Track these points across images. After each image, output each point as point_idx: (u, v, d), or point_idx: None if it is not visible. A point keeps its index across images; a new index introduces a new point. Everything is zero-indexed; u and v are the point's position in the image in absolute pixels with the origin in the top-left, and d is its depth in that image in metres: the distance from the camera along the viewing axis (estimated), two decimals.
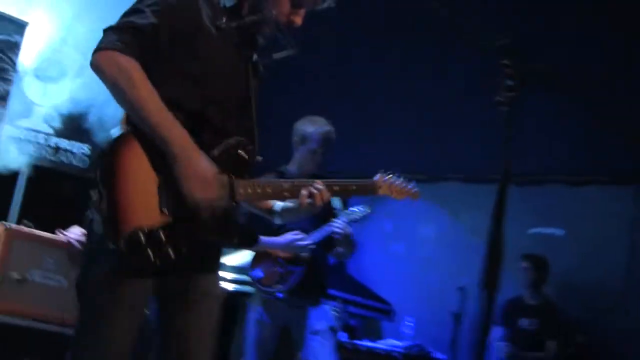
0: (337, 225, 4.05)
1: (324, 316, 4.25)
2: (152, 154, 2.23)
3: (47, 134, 5.35)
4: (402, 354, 5.87)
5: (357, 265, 7.18)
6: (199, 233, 2.28)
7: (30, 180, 5.14)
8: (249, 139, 2.47)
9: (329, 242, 4.16)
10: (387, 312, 6.57)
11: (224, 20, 2.45)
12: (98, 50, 2.25)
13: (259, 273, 4.30)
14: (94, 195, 2.17)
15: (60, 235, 4.35)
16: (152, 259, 2.17)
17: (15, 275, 4.18)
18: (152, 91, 2.24)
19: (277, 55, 2.62)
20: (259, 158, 2.50)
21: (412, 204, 3.07)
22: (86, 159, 5.40)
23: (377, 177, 2.87)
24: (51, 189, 5.39)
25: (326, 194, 2.56)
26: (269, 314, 4.23)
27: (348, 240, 4.14)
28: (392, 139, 6.69)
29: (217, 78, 2.42)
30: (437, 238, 7.23)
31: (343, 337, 5.77)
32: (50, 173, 5.31)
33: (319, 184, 2.56)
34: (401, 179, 2.96)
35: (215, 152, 2.35)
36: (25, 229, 4.36)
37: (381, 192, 2.85)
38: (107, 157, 2.19)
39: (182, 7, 2.37)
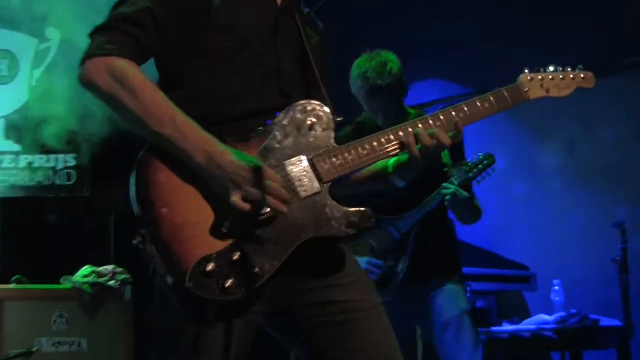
0: (447, 191, 3.78)
1: (451, 299, 3.94)
2: (183, 169, 2.24)
3: (13, 153, 5.05)
4: (557, 331, 5.20)
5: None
6: (290, 235, 2.25)
7: (4, 219, 4.98)
8: (317, 98, 2.45)
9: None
10: (524, 278, 5.88)
11: None
12: (85, 59, 2.28)
13: None
14: (142, 234, 2.16)
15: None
16: (234, 287, 2.14)
17: (14, 352, 3.98)
18: (157, 96, 2.24)
19: None
20: (339, 118, 2.48)
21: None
22: (73, 172, 5.03)
23: (520, 77, 2.63)
24: (37, 224, 5.08)
25: (439, 134, 2.42)
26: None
27: (466, 206, 3.85)
28: None
29: (253, 45, 2.41)
30: (569, 164, 6.53)
31: None
32: (29, 203, 5.05)
33: (425, 123, 2.47)
34: (556, 69, 2.68)
35: (277, 133, 2.35)
36: (17, 288, 4.20)
37: (532, 95, 2.62)
38: (135, 190, 2.20)
39: None
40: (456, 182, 3.74)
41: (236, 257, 2.19)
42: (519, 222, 6.56)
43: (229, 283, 2.15)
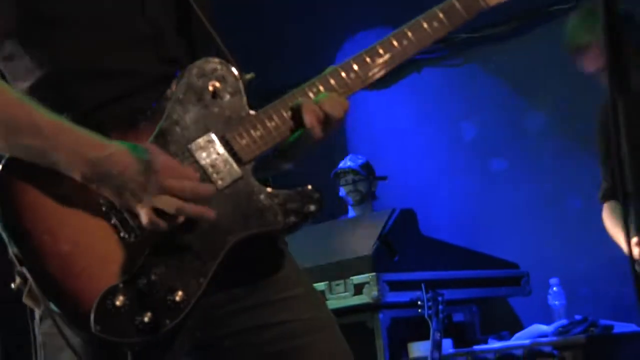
0: None
1: None
2: (59, 181, 2.04)
3: None
4: (558, 344, 4.60)
5: (431, 211, 6.23)
6: (214, 241, 2.09)
7: None
8: (214, 55, 2.22)
9: None
10: (513, 279, 5.30)
11: None
12: None
13: None
14: (18, 284, 2.02)
15: None
16: (154, 322, 1.96)
17: None
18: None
19: None
20: (248, 76, 2.21)
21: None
22: None
23: None
24: None
25: (339, 105, 2.19)
26: None
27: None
28: None
29: (109, 3, 2.19)
30: (551, 129, 6.01)
31: (447, 346, 4.71)
32: None
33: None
34: None
35: (173, 109, 2.15)
36: None
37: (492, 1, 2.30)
38: (2, 221, 2.01)
39: None
40: None
41: (147, 282, 2.03)
42: (501, 207, 6.06)
43: (147, 317, 1.96)
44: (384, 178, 6.25)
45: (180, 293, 2.00)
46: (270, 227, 2.12)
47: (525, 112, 6.29)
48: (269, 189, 2.15)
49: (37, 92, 2.13)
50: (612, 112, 1.52)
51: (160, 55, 2.21)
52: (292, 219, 2.13)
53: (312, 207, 2.14)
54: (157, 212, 1.98)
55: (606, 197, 4.21)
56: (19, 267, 1.97)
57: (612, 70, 1.55)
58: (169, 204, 1.97)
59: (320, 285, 4.85)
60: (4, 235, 2.00)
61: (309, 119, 2.14)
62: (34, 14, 2.15)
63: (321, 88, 2.21)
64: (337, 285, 4.89)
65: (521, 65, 6.06)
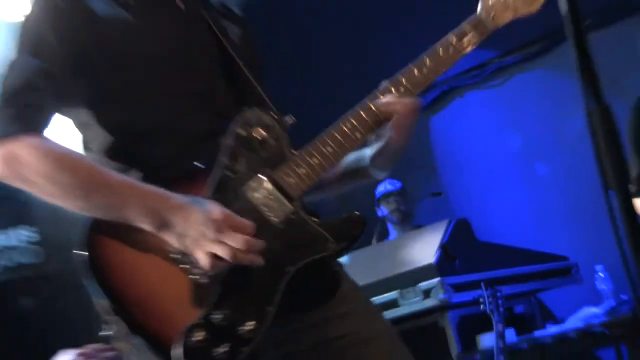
0: None
1: None
2: (131, 235, 2.17)
3: None
4: (608, 324, 4.88)
5: (485, 218, 6.58)
6: (275, 272, 2.18)
7: None
8: (258, 105, 2.35)
9: None
10: (564, 270, 5.59)
11: None
12: None
13: None
14: (108, 329, 2.12)
15: None
16: (232, 351, 2.08)
17: None
18: (72, 164, 2.18)
19: None
20: (289, 120, 2.36)
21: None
22: (38, 248, 5.10)
23: (480, 4, 2.47)
24: (11, 316, 5.10)
25: (407, 101, 2.33)
26: None
27: None
28: None
29: (165, 66, 2.33)
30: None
31: (511, 335, 4.97)
32: None
33: (388, 93, 2.34)
34: None
35: (226, 160, 2.24)
36: None
37: (502, 19, 2.44)
38: (93, 271, 2.11)
39: (61, 22, 2.28)
40: None
41: (222, 316, 2.11)
42: (545, 205, 6.33)
43: (226, 348, 2.07)
44: (439, 194, 6.79)
45: (252, 323, 2.13)
46: (323, 253, 2.25)
47: (565, 119, 6.53)
48: (318, 219, 2.31)
49: (108, 154, 2.32)
50: (588, 119, 1.69)
51: (213, 110, 2.37)
52: (342, 243, 2.27)
53: (358, 231, 2.30)
54: (215, 256, 2.12)
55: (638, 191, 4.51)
56: (107, 314, 2.11)
57: (586, 85, 1.70)
58: (224, 251, 2.10)
59: (393, 294, 5.23)
60: (92, 290, 2.13)
61: (395, 113, 2.32)
62: (105, 86, 2.31)
63: (353, 121, 2.35)
64: (408, 292, 5.17)
65: (556, 77, 6.39)
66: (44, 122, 2.26)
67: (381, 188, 6.74)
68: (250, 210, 2.21)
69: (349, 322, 2.34)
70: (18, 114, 2.22)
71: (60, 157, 2.20)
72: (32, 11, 2.33)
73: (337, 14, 6.61)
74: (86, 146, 2.38)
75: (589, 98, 1.71)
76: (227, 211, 2.13)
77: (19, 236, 5.10)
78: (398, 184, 6.74)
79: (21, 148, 2.18)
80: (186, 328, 2.06)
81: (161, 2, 2.43)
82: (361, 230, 2.28)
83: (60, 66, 2.26)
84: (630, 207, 1.67)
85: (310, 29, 6.80)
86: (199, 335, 2.05)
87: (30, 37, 2.29)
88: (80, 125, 2.37)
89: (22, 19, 2.34)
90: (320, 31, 6.87)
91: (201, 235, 2.09)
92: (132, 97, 2.32)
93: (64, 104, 2.32)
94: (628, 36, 5.32)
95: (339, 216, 2.32)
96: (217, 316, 2.10)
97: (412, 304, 5.16)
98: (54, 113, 2.30)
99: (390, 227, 6.80)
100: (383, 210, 6.76)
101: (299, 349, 2.31)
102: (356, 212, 2.31)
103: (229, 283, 2.14)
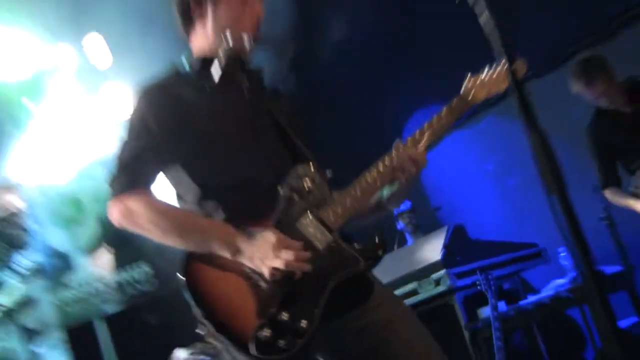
0: None
1: None
2: (215, 261, 2.31)
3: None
4: (572, 290, 5.47)
5: (474, 222, 6.78)
6: (321, 284, 2.29)
7: (116, 334, 5.28)
8: (305, 161, 2.47)
9: None
10: (536, 254, 6.03)
11: (208, 81, 2.49)
12: (109, 204, 2.40)
13: None
14: (202, 330, 2.26)
15: None
16: (290, 343, 2.19)
17: None
18: (171, 215, 2.34)
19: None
20: (328, 174, 2.48)
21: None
22: (153, 279, 5.46)
23: (464, 86, 2.60)
24: (141, 330, 5.59)
25: (418, 155, 2.44)
26: None
27: None
28: None
29: (236, 139, 2.47)
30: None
31: (502, 306, 5.43)
32: (128, 315, 5.51)
33: (401, 151, 2.42)
34: (489, 67, 2.66)
35: (283, 204, 2.38)
36: None
37: (479, 96, 2.59)
38: (190, 290, 2.27)
39: (157, 110, 2.44)
40: None
41: (285, 317, 2.28)
42: (517, 207, 6.66)
43: (285, 340, 2.23)
44: (439, 208, 7.71)
45: (305, 321, 2.26)
46: (356, 270, 2.38)
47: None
48: (351, 244, 2.42)
49: (197, 203, 2.45)
50: (531, 144, 1.82)
51: (273, 167, 2.49)
52: (370, 262, 2.40)
53: (381, 252, 2.42)
54: (275, 269, 2.27)
55: (604, 187, 5.32)
56: (201, 319, 2.25)
57: (527, 121, 1.85)
58: (280, 263, 2.25)
59: (413, 285, 5.70)
60: (190, 301, 2.29)
61: (404, 169, 2.44)
62: (193, 154, 2.47)
63: (375, 173, 2.48)
64: (423, 283, 5.66)
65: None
66: (149, 182, 2.46)
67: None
68: (301, 239, 2.38)
69: (381, 310, 2.51)
70: (129, 178, 2.43)
71: (162, 208, 2.40)
72: (136, 104, 2.53)
73: (361, 88, 7.15)
74: (180, 198, 2.54)
75: (530, 130, 1.87)
76: (281, 236, 2.31)
77: (139, 270, 5.51)
78: (409, 204, 7.52)
79: (133, 203, 2.39)
80: (256, 326, 2.22)
81: (230, 88, 2.57)
82: (384, 251, 2.40)
83: (159, 142, 2.45)
84: (568, 206, 1.81)
85: (344, 104, 7.45)
86: (266, 332, 2.21)
87: (135, 122, 2.50)
88: (175, 183, 2.54)
89: (133, 110, 2.54)
90: (351, 105, 7.50)
91: (264, 255, 2.28)
92: (213, 160, 2.49)
93: (162, 168, 2.50)
94: (563, 81, 5.43)
95: (366, 240, 2.44)
96: (279, 317, 2.25)
97: (427, 291, 5.62)
98: (156, 175, 2.49)
99: (407, 236, 7.57)
100: (400, 224, 7.54)
101: (347, 336, 2.47)
102: (379, 237, 2.44)
103: (287, 293, 2.29)
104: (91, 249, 5.63)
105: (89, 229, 5.72)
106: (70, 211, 5.83)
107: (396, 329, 2.44)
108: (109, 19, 5.28)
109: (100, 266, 5.54)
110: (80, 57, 5.78)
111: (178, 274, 2.27)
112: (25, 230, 5.25)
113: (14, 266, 5.03)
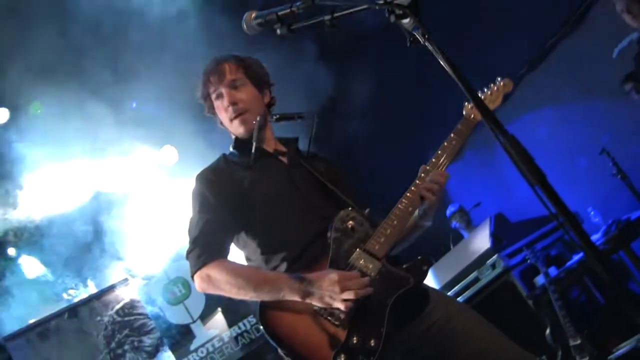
0: None
1: None
2: (285, 306, 2.52)
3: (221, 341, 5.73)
4: (607, 241, 5.72)
5: (510, 207, 7.05)
6: (381, 306, 2.45)
7: None
8: (345, 206, 2.67)
9: None
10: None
11: (250, 158, 2.71)
12: (192, 276, 2.65)
13: None
14: (283, 355, 2.45)
15: None
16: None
17: None
18: (243, 275, 2.53)
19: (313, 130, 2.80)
20: (366, 211, 2.68)
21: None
22: (259, 325, 5.35)
23: (465, 109, 2.76)
24: None
25: (440, 176, 2.61)
26: None
27: None
28: None
29: (283, 200, 2.70)
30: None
31: (554, 271, 5.82)
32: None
33: (426, 177, 2.57)
34: (485, 88, 2.83)
35: (334, 246, 2.56)
36: None
37: (478, 117, 2.73)
38: (269, 337, 2.48)
39: (212, 186, 2.68)
40: None
41: (355, 341, 2.42)
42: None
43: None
44: (478, 204, 8.00)
45: (373, 341, 2.40)
46: (407, 287, 2.49)
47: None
48: (399, 265, 2.54)
49: (262, 260, 2.65)
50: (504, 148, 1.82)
51: (319, 217, 2.68)
52: (417, 278, 2.52)
53: (426, 267, 2.55)
54: (347, 300, 2.44)
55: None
56: (281, 353, 2.43)
57: (490, 123, 1.90)
58: (350, 294, 2.42)
59: (473, 275, 6.09)
60: (272, 343, 2.47)
61: (431, 190, 2.55)
62: (250, 220, 2.69)
63: (406, 201, 2.61)
64: (482, 270, 6.03)
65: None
66: (221, 250, 2.64)
67: (449, 210, 8.03)
68: (356, 270, 2.54)
69: (437, 311, 2.64)
70: (203, 250, 2.61)
71: (236, 270, 2.57)
72: (196, 185, 2.74)
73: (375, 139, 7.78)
74: (248, 258, 2.75)
75: (499, 136, 1.90)
76: (341, 272, 2.48)
77: (249, 322, 5.97)
78: (457, 205, 8.01)
79: (211, 270, 2.58)
80: (333, 354, 2.38)
81: (271, 162, 2.77)
82: (428, 267, 2.52)
83: (220, 215, 2.65)
84: (553, 192, 1.82)
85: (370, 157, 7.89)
86: (342, 357, 2.36)
87: (198, 201, 2.70)
88: (241, 246, 2.76)
89: (192, 191, 2.72)
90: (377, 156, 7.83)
91: (332, 292, 2.43)
92: (269, 223, 2.68)
93: (228, 236, 2.69)
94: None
95: (412, 260, 2.56)
96: (349, 343, 2.39)
97: (487, 275, 6.04)
98: (225, 243, 2.67)
99: (462, 232, 8.01)
100: (454, 223, 8.01)
101: (416, 339, 2.58)
102: (422, 257, 2.57)
103: (354, 320, 2.45)
104: (205, 316, 6.05)
105: (200, 300, 6.19)
106: (181, 290, 6.36)
107: (455, 323, 2.61)
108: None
109: (216, 328, 5.98)
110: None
111: (257, 322, 2.50)
112: (145, 315, 5.85)
113: (143, 346, 5.60)
